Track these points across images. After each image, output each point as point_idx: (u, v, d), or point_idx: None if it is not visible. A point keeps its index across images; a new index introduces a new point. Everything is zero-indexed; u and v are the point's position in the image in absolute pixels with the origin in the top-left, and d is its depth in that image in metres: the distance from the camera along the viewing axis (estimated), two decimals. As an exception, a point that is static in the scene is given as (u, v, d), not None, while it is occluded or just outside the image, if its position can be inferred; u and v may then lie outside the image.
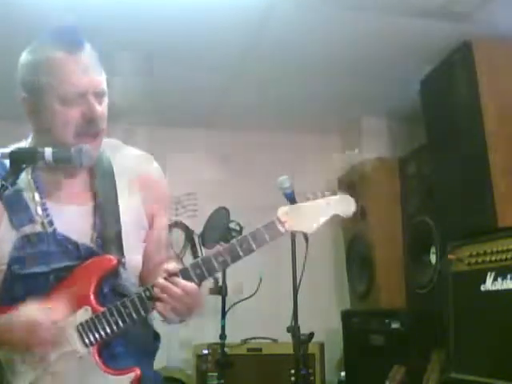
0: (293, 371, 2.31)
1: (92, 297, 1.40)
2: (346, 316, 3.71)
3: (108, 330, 1.38)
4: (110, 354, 1.41)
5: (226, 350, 3.10)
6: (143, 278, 1.55)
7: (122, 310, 1.38)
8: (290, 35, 2.98)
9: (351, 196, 1.53)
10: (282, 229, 1.48)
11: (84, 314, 1.39)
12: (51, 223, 1.43)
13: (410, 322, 3.13)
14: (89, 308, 1.39)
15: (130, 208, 1.52)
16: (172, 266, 1.43)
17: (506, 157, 2.68)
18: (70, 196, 1.49)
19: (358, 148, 4.07)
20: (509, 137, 2.70)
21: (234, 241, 1.45)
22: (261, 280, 2.66)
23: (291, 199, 2.38)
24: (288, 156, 4.10)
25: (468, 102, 2.82)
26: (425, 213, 3.30)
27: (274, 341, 3.57)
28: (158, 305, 1.37)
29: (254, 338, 3.60)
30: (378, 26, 2.90)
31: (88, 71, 1.41)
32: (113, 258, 1.43)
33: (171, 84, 3.49)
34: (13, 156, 1.26)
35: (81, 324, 1.39)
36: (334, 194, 1.55)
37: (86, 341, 1.38)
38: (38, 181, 1.46)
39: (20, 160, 1.26)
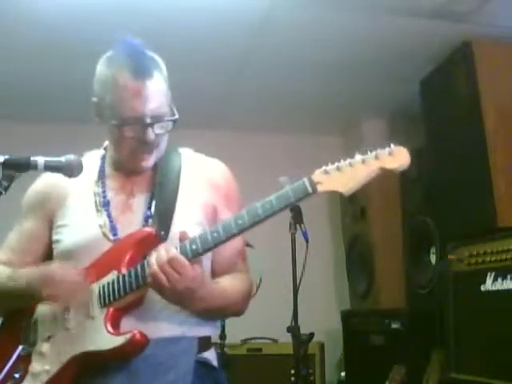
0: (293, 371, 2.30)
1: (123, 262, 1.40)
2: (346, 316, 3.70)
3: (117, 294, 1.38)
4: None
5: (225, 350, 3.10)
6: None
7: (133, 275, 1.38)
8: (289, 36, 2.98)
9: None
10: (309, 188, 1.35)
11: (109, 278, 1.41)
12: (114, 232, 1.49)
13: (410, 322, 3.13)
14: (115, 272, 1.40)
15: (188, 204, 1.52)
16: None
17: (506, 157, 2.68)
18: (132, 188, 1.56)
19: (359, 148, 4.07)
20: (509, 137, 2.70)
21: (257, 203, 1.36)
22: (261, 280, 2.65)
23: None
24: (288, 157, 4.10)
25: (468, 102, 2.82)
26: (425, 213, 3.30)
27: (274, 341, 3.57)
28: (148, 282, 1.35)
29: (254, 338, 3.60)
30: (377, 27, 2.90)
31: (148, 99, 1.46)
32: (151, 230, 1.43)
33: (171, 85, 3.49)
34: (6, 163, 1.26)
35: (103, 286, 1.41)
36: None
37: (101, 302, 1.40)
38: (103, 183, 1.58)
39: (13, 167, 1.27)
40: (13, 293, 1.49)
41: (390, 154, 1.38)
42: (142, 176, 1.58)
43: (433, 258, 3.22)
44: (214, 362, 1.53)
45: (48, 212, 1.59)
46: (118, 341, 1.32)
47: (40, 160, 1.29)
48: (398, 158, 1.38)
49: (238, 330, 3.22)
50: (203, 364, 1.47)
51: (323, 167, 1.39)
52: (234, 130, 4.17)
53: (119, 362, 1.34)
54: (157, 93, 1.48)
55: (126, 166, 1.58)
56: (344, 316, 3.71)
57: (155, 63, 1.52)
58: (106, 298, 1.39)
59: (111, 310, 1.38)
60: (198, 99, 3.76)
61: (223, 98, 3.81)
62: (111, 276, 1.41)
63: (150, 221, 1.48)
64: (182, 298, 1.36)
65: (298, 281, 2.32)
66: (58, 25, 2.74)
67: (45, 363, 1.39)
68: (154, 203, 1.50)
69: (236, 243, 1.56)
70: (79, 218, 1.54)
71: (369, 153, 1.39)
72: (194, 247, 1.34)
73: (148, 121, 1.47)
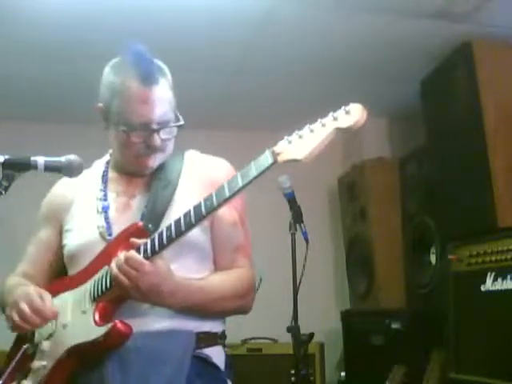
0: (293, 371, 2.30)
1: (114, 257, 1.41)
2: (346, 316, 3.70)
3: (104, 287, 1.41)
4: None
5: (225, 350, 3.09)
6: None
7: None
8: (289, 36, 2.98)
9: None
10: (270, 159, 1.33)
11: (101, 273, 1.45)
12: (110, 233, 1.52)
13: (410, 322, 3.13)
14: (106, 267, 1.43)
15: (186, 203, 1.51)
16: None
17: (506, 157, 2.68)
18: (134, 190, 1.60)
19: (358, 148, 4.08)
20: (509, 137, 2.70)
21: (224, 182, 1.37)
22: (261, 280, 2.65)
23: (291, 199, 2.38)
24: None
25: (468, 102, 2.82)
26: (425, 213, 3.30)
27: (274, 341, 3.57)
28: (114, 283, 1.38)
29: (254, 338, 3.60)
30: (378, 27, 2.90)
31: (155, 105, 1.49)
32: (138, 224, 1.46)
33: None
34: (6, 163, 1.27)
35: (94, 281, 1.45)
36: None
37: (92, 296, 1.43)
38: (105, 185, 1.62)
39: (13, 167, 1.27)
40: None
41: (347, 112, 1.35)
42: (144, 178, 1.61)
43: (433, 258, 3.22)
44: (216, 360, 1.55)
45: (58, 220, 1.64)
46: (101, 331, 1.35)
47: (40, 160, 1.30)
48: (353, 115, 1.34)
49: (238, 330, 3.22)
50: (202, 360, 1.48)
51: (285, 137, 1.38)
52: (234, 129, 4.17)
53: (111, 355, 1.35)
54: (163, 99, 1.52)
55: (129, 169, 1.62)
56: (344, 316, 3.71)
57: (162, 70, 1.56)
58: (96, 292, 1.43)
59: (101, 303, 1.41)
60: (198, 99, 3.76)
61: (223, 98, 3.80)
62: (102, 271, 1.44)
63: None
64: (150, 295, 1.37)
65: (298, 281, 2.31)
66: (58, 25, 2.74)
67: (43, 359, 1.42)
68: (151, 201, 1.53)
69: (234, 239, 1.59)
70: (81, 221, 1.59)
71: (329, 115, 1.36)
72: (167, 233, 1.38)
73: (155, 127, 1.50)
